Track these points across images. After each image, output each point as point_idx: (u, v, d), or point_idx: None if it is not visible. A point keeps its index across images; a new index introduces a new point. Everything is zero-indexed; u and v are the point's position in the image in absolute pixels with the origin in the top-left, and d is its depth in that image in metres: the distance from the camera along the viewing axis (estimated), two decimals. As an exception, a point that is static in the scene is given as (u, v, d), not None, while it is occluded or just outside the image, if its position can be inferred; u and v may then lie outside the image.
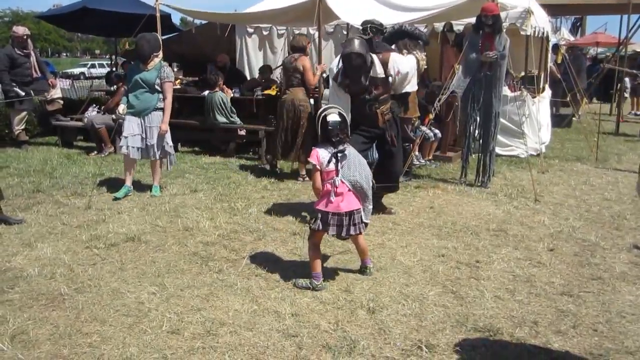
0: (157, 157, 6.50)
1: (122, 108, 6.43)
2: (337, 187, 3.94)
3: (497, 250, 4.87)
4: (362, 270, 4.29)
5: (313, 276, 4.03)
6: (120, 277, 4.20)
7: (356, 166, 4.04)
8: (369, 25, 6.42)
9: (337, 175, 3.96)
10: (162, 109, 6.42)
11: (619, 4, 12.45)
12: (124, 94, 6.69)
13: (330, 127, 3.93)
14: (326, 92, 7.66)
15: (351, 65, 5.19)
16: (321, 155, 3.99)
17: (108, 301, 3.79)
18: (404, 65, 5.65)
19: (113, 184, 6.93)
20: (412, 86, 5.84)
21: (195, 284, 4.08)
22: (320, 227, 3.98)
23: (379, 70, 5.41)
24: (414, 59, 5.97)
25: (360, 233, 4.11)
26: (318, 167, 4.01)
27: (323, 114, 3.98)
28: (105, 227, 5.31)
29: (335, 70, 6.73)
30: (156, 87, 6.34)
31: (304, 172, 7.35)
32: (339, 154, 3.97)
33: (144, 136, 6.37)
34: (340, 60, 5.35)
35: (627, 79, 14.74)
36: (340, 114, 3.98)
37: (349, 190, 3.99)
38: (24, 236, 5.07)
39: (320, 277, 4.04)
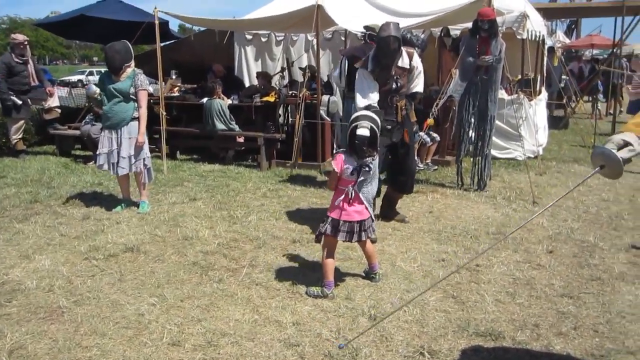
0: (139, 168, 6.20)
1: (96, 90, 6.20)
2: (351, 198, 3.94)
3: (497, 254, 4.87)
4: (371, 276, 4.28)
5: (326, 284, 4.03)
6: (120, 289, 4.19)
7: (373, 178, 4.06)
8: (368, 33, 6.46)
9: (353, 186, 3.95)
10: (138, 119, 6.15)
11: (613, 6, 12.49)
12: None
13: (357, 142, 3.86)
14: (324, 98, 7.67)
15: (388, 49, 5.12)
16: (345, 163, 3.95)
17: (107, 313, 3.78)
18: (420, 63, 5.64)
19: (111, 194, 6.93)
20: (420, 87, 5.83)
21: (196, 294, 4.08)
22: (329, 232, 3.98)
23: (406, 60, 5.37)
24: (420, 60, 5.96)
25: (369, 238, 4.15)
26: (338, 173, 3.98)
27: (353, 125, 3.90)
28: (104, 238, 5.30)
29: (337, 75, 6.74)
30: (131, 96, 6.06)
31: None
32: (363, 168, 3.92)
33: (119, 150, 6.08)
34: (372, 50, 5.30)
35: (599, 82, 14.80)
36: (371, 129, 3.86)
37: (361, 202, 3.99)
38: (22, 248, 5.05)
39: (332, 285, 4.04)
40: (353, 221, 3.96)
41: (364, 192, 4.00)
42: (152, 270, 4.55)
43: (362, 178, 3.95)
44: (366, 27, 6.76)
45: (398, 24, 5.28)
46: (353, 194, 3.94)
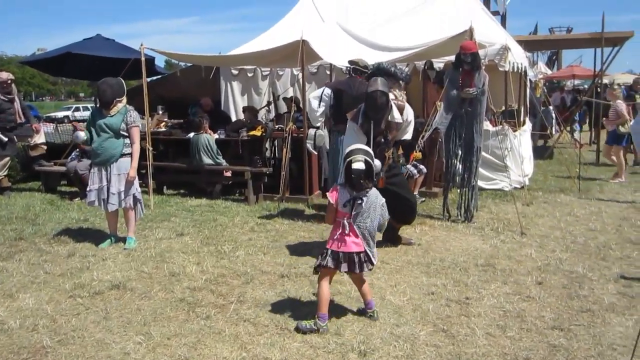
0: (129, 204, 6.21)
1: (82, 134, 6.27)
2: (347, 230, 3.97)
3: (486, 286, 4.86)
4: (369, 315, 4.21)
5: (319, 317, 3.98)
6: (105, 327, 4.11)
7: (370, 212, 4.03)
8: (352, 67, 6.57)
9: (348, 219, 3.98)
10: (129, 155, 6.14)
11: (592, 37, 12.79)
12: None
13: (353, 175, 3.94)
14: (311, 131, 7.70)
15: (376, 104, 5.27)
16: (340, 195, 4.01)
17: (92, 353, 3.70)
18: (411, 115, 5.86)
19: (98, 230, 6.86)
20: (409, 134, 5.97)
21: (183, 332, 4.01)
22: (330, 264, 3.97)
23: (396, 116, 5.55)
24: (412, 110, 6.06)
25: (368, 269, 4.13)
26: (334, 205, 4.03)
27: (349, 158, 3.98)
28: (89, 275, 5.22)
29: (316, 107, 6.82)
30: (121, 132, 6.06)
31: None
32: (357, 200, 3.97)
33: (109, 186, 6.08)
34: (363, 105, 5.43)
35: (579, 112, 15.07)
36: (366, 161, 3.94)
37: (358, 235, 4.00)
38: (5, 286, 4.96)
39: (326, 318, 4.00)
40: (352, 252, 3.98)
41: (360, 225, 4.01)
42: (139, 307, 4.47)
43: (358, 212, 3.98)
44: (350, 62, 6.88)
45: (385, 79, 5.41)
46: (348, 227, 3.97)
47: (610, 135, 10.43)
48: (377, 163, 5.00)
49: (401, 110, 5.65)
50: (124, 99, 6.18)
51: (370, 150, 4.14)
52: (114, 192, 6.08)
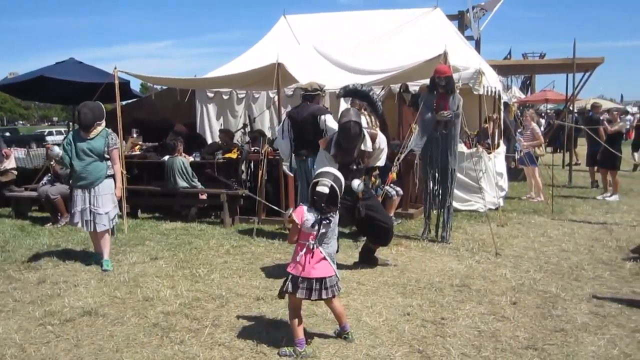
0: (109, 225, 6.31)
1: (58, 153, 6.29)
2: (312, 252, 3.90)
3: (462, 306, 4.87)
4: (344, 337, 4.16)
5: (296, 343, 3.92)
6: (76, 355, 4.01)
7: (332, 236, 4.04)
8: (302, 94, 6.78)
9: (314, 240, 3.92)
10: (112, 176, 6.32)
11: (563, 63, 13.13)
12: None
13: (316, 198, 3.89)
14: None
15: (348, 134, 5.33)
16: (305, 216, 3.93)
17: (63, 380, 3.61)
18: (384, 142, 5.95)
19: (69, 256, 6.73)
20: (382, 161, 6.07)
21: (156, 358, 3.93)
22: (291, 289, 3.91)
23: (369, 145, 5.60)
24: (384, 137, 6.15)
25: (334, 296, 4.03)
26: (299, 225, 3.95)
27: (315, 180, 3.95)
28: (60, 302, 5.11)
29: (281, 134, 7.01)
30: (105, 155, 6.23)
31: None
32: (324, 221, 3.92)
33: (96, 208, 6.19)
34: (335, 134, 5.51)
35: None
36: (331, 187, 3.87)
37: (323, 258, 3.94)
38: (-26, 315, 4.83)
39: (303, 343, 3.93)
40: (312, 278, 3.90)
41: (324, 247, 3.97)
42: (111, 334, 4.38)
43: (323, 231, 3.93)
44: (299, 88, 7.10)
45: (357, 110, 5.52)
46: (314, 248, 3.90)
47: (527, 157, 10.61)
48: (355, 183, 5.05)
49: (374, 138, 5.73)
50: (104, 122, 6.34)
51: (340, 177, 4.02)
52: (102, 213, 6.20)
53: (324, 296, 3.94)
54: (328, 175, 3.95)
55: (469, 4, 15.60)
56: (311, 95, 6.85)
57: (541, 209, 9.43)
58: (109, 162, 6.29)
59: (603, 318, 4.58)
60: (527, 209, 9.59)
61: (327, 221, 3.93)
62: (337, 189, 3.90)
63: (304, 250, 3.91)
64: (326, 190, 3.85)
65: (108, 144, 6.23)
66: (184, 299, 5.12)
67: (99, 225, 6.20)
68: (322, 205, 3.87)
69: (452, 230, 7.42)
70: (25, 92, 13.17)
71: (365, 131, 5.57)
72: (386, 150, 6.06)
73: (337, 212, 4.04)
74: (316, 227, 3.89)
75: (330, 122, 6.53)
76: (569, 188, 12.14)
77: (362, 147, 5.54)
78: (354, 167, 5.53)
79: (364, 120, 5.93)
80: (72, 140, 6.25)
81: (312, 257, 3.90)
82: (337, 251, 4.15)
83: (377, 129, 6.11)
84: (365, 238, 6.37)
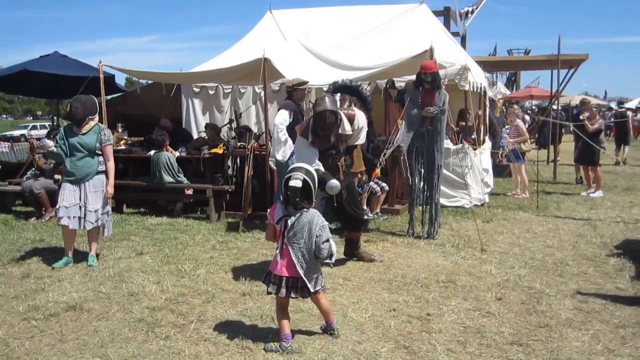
0: (100, 223, 6.17)
1: (50, 144, 6.20)
2: (281, 250, 3.92)
3: (447, 302, 4.89)
4: (329, 332, 4.16)
5: (282, 338, 3.92)
6: (60, 350, 3.98)
7: (303, 233, 3.89)
8: (286, 90, 6.94)
9: (282, 238, 3.93)
10: (104, 172, 6.16)
11: (548, 59, 13.20)
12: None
13: (288, 192, 3.87)
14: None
15: (324, 123, 5.34)
16: (276, 212, 3.97)
17: (46, 376, 3.58)
18: (362, 121, 5.88)
19: (54, 250, 6.68)
20: (362, 139, 6.04)
21: (141, 353, 3.91)
22: (268, 288, 3.95)
23: (347, 128, 5.60)
24: (363, 115, 6.14)
25: (304, 297, 4.02)
26: (272, 221, 4.00)
27: (288, 175, 3.93)
28: (44, 297, 5.07)
29: (283, 122, 7.06)
30: (97, 151, 6.08)
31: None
32: (287, 218, 3.90)
33: (82, 204, 6.04)
34: (311, 120, 5.49)
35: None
36: (304, 180, 3.85)
37: (291, 257, 3.90)
38: (-44, 310, 4.77)
39: (289, 338, 3.93)
40: (282, 276, 3.90)
41: (294, 248, 3.89)
42: (96, 329, 4.35)
43: (290, 231, 3.90)
44: (286, 84, 7.28)
45: (334, 97, 5.52)
46: (283, 246, 3.92)
47: (512, 154, 10.65)
48: (334, 183, 5.01)
49: (351, 119, 5.69)
50: (96, 117, 6.19)
51: (313, 171, 4.00)
52: (91, 210, 6.07)
53: (292, 295, 3.94)
54: (300, 169, 3.96)
55: (456, 5, 15.73)
56: (289, 91, 7.19)
57: (526, 205, 9.50)
58: (100, 158, 6.13)
59: (587, 314, 4.62)
60: (512, 205, 9.66)
61: (291, 217, 3.88)
62: (310, 182, 3.89)
63: (278, 248, 3.94)
64: (299, 183, 3.84)
65: (101, 140, 6.08)
66: (170, 294, 5.10)
67: (87, 222, 6.05)
68: (297, 200, 3.86)
69: (440, 226, 7.44)
70: (8, 86, 12.99)
71: (341, 114, 5.55)
72: (366, 128, 6.00)
73: (309, 209, 3.95)
74: (281, 225, 3.92)
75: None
76: (553, 184, 12.24)
77: (340, 131, 5.54)
78: (334, 151, 5.58)
79: (363, 115, 5.92)
80: (65, 135, 6.11)
81: (281, 255, 3.93)
82: (331, 255, 3.92)
83: (355, 108, 6.03)
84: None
